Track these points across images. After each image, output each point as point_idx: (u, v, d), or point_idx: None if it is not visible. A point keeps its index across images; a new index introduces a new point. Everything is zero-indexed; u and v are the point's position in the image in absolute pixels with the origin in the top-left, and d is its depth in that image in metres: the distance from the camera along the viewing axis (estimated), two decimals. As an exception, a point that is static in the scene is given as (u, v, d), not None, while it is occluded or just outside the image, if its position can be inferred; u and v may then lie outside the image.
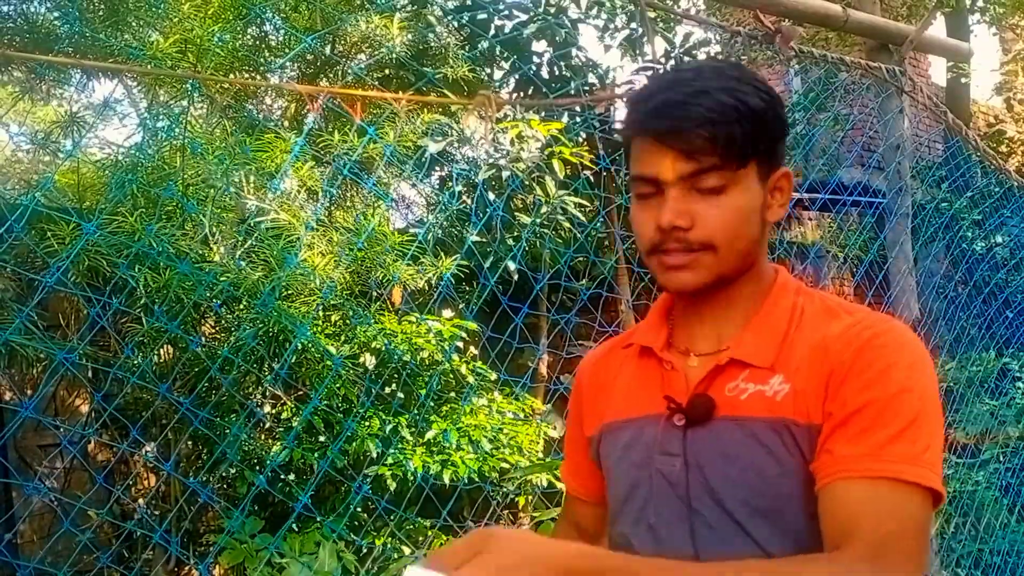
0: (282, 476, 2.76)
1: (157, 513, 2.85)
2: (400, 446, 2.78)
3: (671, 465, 0.94)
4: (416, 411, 2.88)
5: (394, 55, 3.18)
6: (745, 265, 0.95)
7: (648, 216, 0.92)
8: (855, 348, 0.89)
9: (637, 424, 1.00)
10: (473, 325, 2.90)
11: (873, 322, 0.92)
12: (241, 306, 2.68)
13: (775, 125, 0.92)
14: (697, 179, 0.89)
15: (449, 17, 4.05)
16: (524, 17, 4.44)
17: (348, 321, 2.90)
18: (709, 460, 0.92)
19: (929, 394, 0.88)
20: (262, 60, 3.18)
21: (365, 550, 2.61)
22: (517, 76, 4.40)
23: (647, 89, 0.94)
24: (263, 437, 2.97)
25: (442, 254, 2.99)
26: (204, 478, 2.72)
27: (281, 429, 2.92)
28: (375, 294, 2.99)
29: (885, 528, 0.82)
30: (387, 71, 3.69)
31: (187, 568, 2.99)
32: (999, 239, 4.50)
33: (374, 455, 2.70)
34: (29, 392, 2.90)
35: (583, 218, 3.48)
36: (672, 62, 4.92)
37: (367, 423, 2.77)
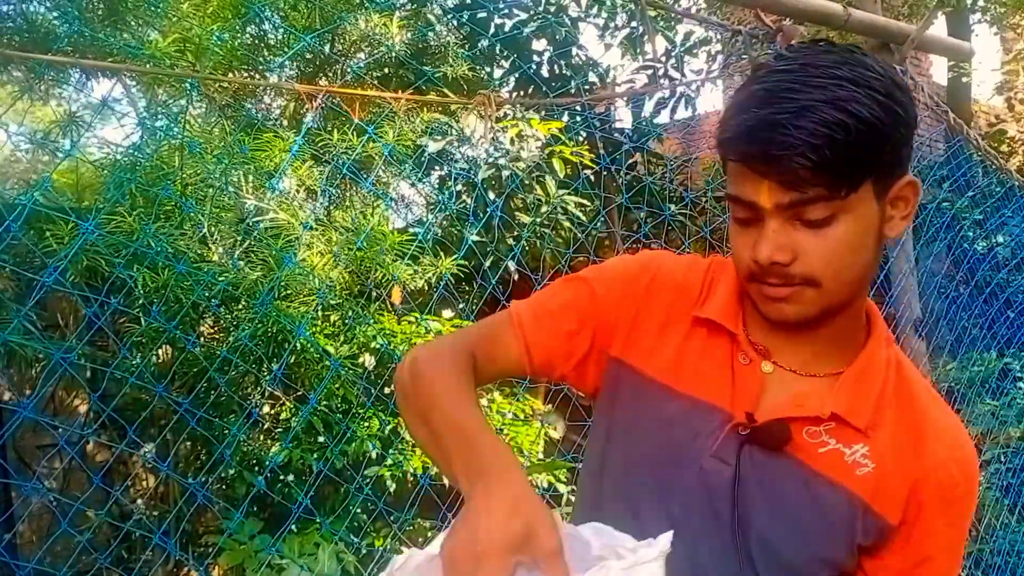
0: (281, 477, 2.75)
1: (156, 514, 2.84)
2: (400, 447, 2.77)
3: (719, 474, 0.86)
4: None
5: (393, 54, 3.17)
6: (855, 293, 0.86)
7: (745, 242, 0.83)
8: (954, 482, 0.88)
9: (691, 405, 0.89)
10: (474, 325, 2.89)
11: (962, 442, 0.90)
12: (240, 306, 2.67)
13: (897, 132, 0.78)
14: (800, 209, 0.78)
15: (449, 16, 4.04)
16: (524, 16, 4.43)
17: (347, 321, 2.89)
18: (761, 491, 0.86)
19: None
20: (261, 59, 3.17)
21: (365, 551, 2.60)
22: (517, 75, 4.39)
23: (741, 99, 0.80)
24: (262, 438, 2.96)
25: (442, 254, 2.98)
26: (203, 479, 2.71)
27: (280, 430, 2.91)
28: (374, 294, 2.98)
29: None
30: (386, 70, 3.68)
31: (186, 569, 2.98)
32: (1000, 239, 4.49)
33: (373, 456, 2.69)
34: (28, 392, 2.89)
35: (583, 218, 3.47)
36: (672, 60, 4.91)
37: (366, 424, 2.77)
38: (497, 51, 4.41)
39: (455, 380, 0.87)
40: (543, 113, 3.42)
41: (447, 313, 3.18)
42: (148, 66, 2.48)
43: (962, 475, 0.88)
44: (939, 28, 7.52)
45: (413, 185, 3.85)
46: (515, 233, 3.43)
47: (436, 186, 4.02)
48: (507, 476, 0.72)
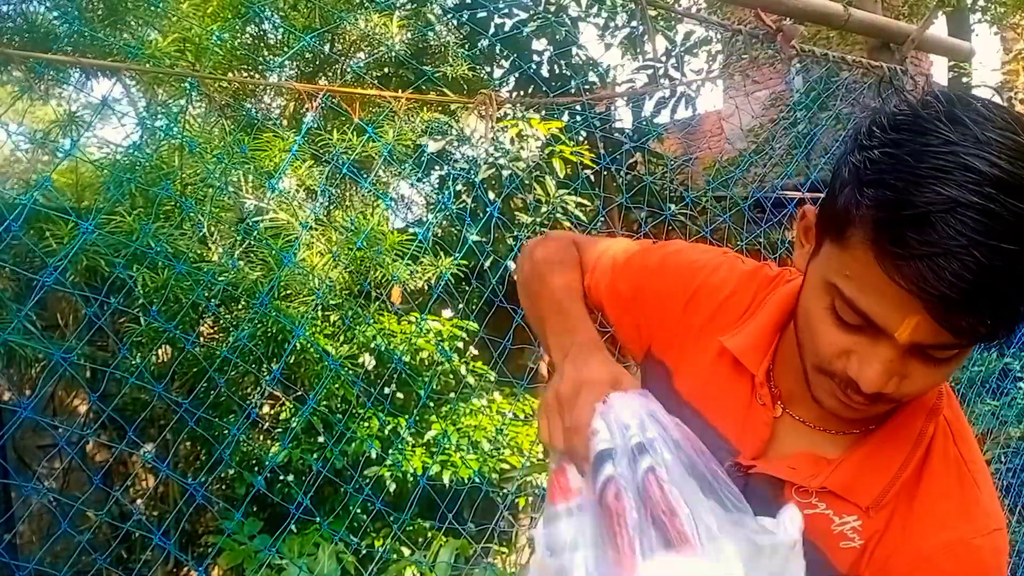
0: (281, 477, 2.75)
1: (156, 514, 2.84)
2: (400, 447, 2.77)
3: None
4: (415, 412, 2.87)
5: (393, 53, 3.17)
6: None
7: (838, 344, 0.70)
8: (938, 564, 0.75)
9: (702, 429, 0.83)
10: (474, 325, 2.89)
11: (978, 537, 0.75)
12: (239, 306, 2.67)
13: None
14: (934, 350, 0.67)
15: (449, 15, 4.04)
16: (524, 15, 4.43)
17: (347, 321, 2.89)
18: None
19: None
20: (261, 59, 3.17)
21: (364, 551, 2.60)
22: (517, 75, 4.39)
23: (951, 226, 0.59)
24: (261, 438, 2.96)
25: (442, 254, 2.98)
26: (203, 479, 2.71)
27: (280, 430, 2.91)
28: (374, 294, 2.98)
29: None
30: (386, 69, 3.68)
31: (186, 569, 2.98)
32: (1001, 238, 4.48)
33: (373, 456, 2.69)
34: (28, 392, 2.89)
35: (583, 218, 3.47)
36: (672, 60, 4.91)
37: (366, 424, 2.77)
38: (497, 51, 4.41)
39: (558, 261, 1.01)
40: (543, 113, 3.42)
41: (447, 313, 3.18)
42: (148, 65, 2.48)
43: (935, 560, 0.74)
44: (939, 28, 7.52)
45: (413, 185, 3.85)
46: (515, 233, 3.43)
47: (436, 186, 4.02)
48: (597, 344, 0.85)
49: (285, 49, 3.21)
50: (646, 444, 0.73)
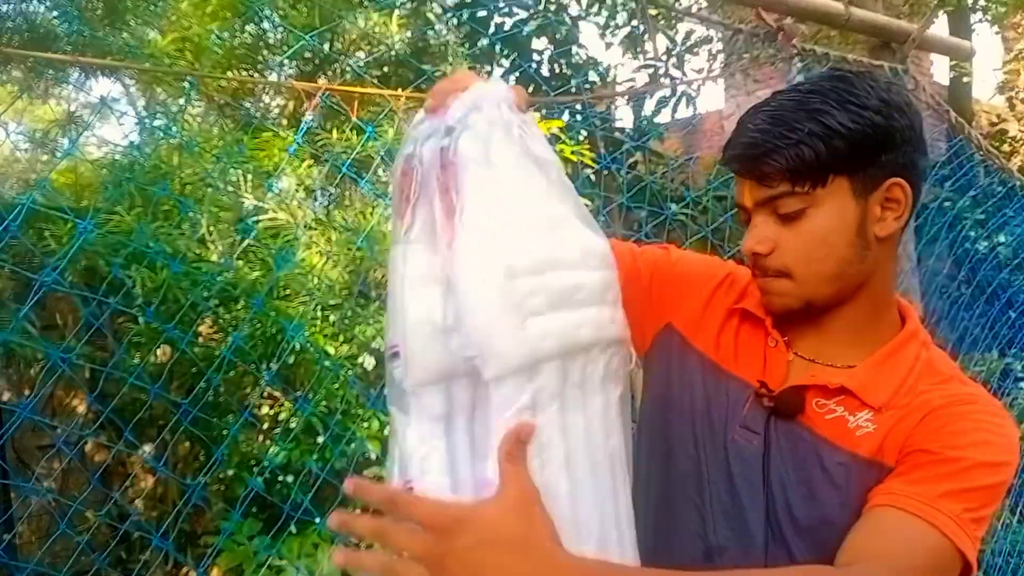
0: (280, 478, 2.74)
1: (155, 514, 2.83)
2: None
3: (748, 444, 0.94)
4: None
5: (393, 52, 3.16)
6: (845, 286, 0.92)
7: (744, 241, 0.94)
8: (947, 412, 0.87)
9: (727, 379, 0.98)
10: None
11: (979, 396, 0.91)
12: (239, 306, 2.66)
13: (870, 138, 0.87)
14: (775, 205, 0.89)
15: (448, 14, 4.03)
16: (524, 14, 4.43)
17: (347, 321, 2.88)
18: (781, 458, 0.92)
19: (1001, 478, 0.87)
20: (260, 58, 3.16)
21: (364, 552, 2.59)
22: (517, 74, 4.38)
23: (740, 120, 0.94)
24: (261, 438, 2.96)
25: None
26: (202, 479, 2.71)
27: (279, 430, 2.91)
28: (374, 294, 2.97)
29: (909, 564, 0.81)
30: (386, 69, 3.68)
31: (185, 569, 2.97)
32: (1002, 239, 4.48)
33: (373, 457, 2.68)
34: (27, 392, 2.89)
35: (584, 217, 3.45)
36: (673, 59, 4.91)
37: (366, 424, 2.76)
38: (497, 50, 4.40)
39: None
40: (543, 112, 3.41)
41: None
42: (147, 64, 2.48)
43: (955, 407, 0.88)
44: (940, 27, 7.51)
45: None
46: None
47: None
48: None
49: (285, 48, 3.20)
50: (457, 126, 0.76)
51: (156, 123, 2.68)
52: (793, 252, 0.89)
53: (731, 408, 0.96)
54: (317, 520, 2.39)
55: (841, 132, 0.86)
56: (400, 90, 2.52)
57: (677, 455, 1.00)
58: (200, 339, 2.77)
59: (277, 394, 2.85)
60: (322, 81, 3.20)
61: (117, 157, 2.66)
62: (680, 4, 6.81)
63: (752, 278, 0.95)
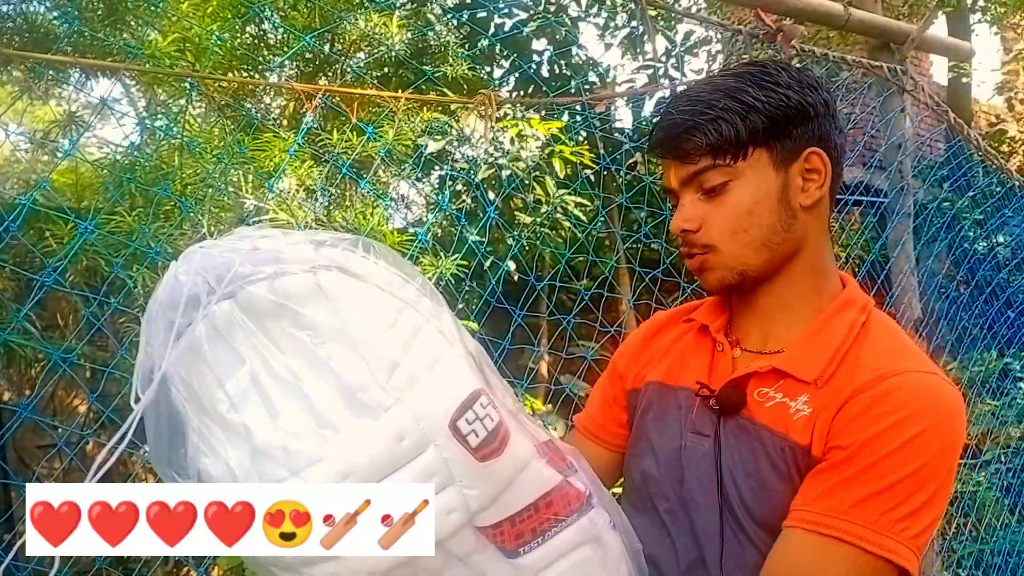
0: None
1: (155, 514, 2.83)
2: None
3: (700, 444, 0.95)
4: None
5: (393, 53, 3.17)
6: (774, 256, 0.93)
7: (673, 221, 0.97)
8: (875, 394, 0.83)
9: (676, 393, 1.01)
10: (475, 325, 2.89)
11: (906, 371, 0.85)
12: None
13: (784, 111, 0.91)
14: (699, 181, 0.93)
15: (449, 15, 4.04)
16: (524, 15, 4.43)
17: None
18: (730, 453, 0.93)
19: (936, 462, 0.80)
20: (260, 59, 3.17)
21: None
22: (517, 75, 4.39)
23: (660, 112, 0.99)
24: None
25: (442, 254, 2.98)
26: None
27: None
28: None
29: None
30: (386, 69, 3.68)
31: (186, 569, 2.98)
32: (1001, 239, 4.48)
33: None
34: (27, 392, 2.89)
35: (583, 218, 3.47)
36: (672, 60, 4.91)
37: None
38: (497, 51, 4.41)
39: None
40: (543, 113, 3.41)
41: (447, 313, 3.17)
42: (147, 65, 2.48)
43: (886, 389, 0.84)
44: (939, 28, 7.52)
45: (413, 185, 3.85)
46: (515, 233, 3.43)
47: (436, 186, 4.02)
48: None
49: (285, 49, 3.20)
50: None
51: (157, 123, 2.68)
52: (719, 225, 0.92)
53: (683, 417, 0.98)
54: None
55: (756, 107, 0.90)
56: (400, 91, 2.52)
57: (643, 483, 1.01)
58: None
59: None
60: (322, 82, 3.21)
61: (118, 157, 2.67)
62: (679, 5, 6.81)
63: (687, 263, 0.98)
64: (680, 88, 0.98)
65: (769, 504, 0.88)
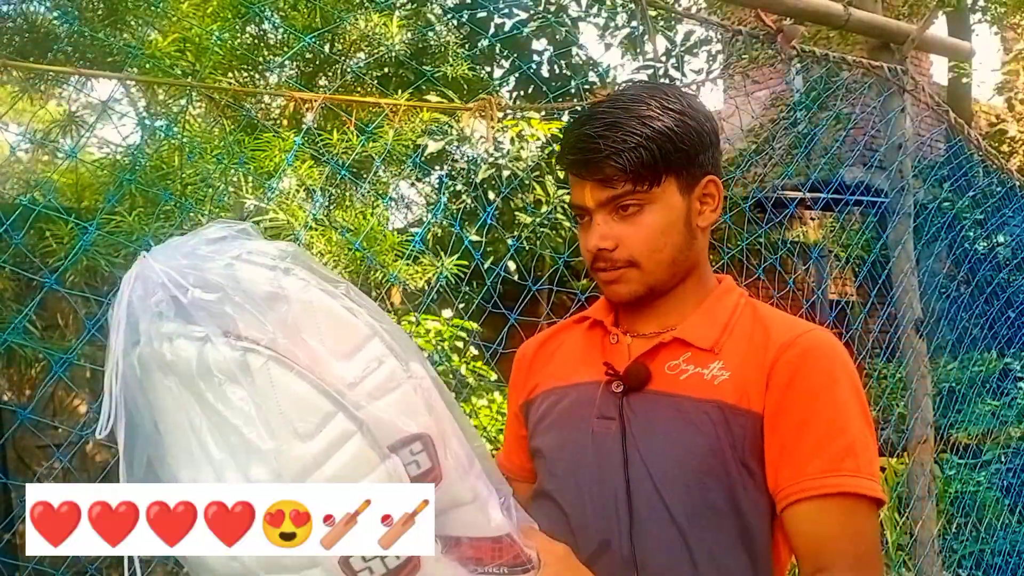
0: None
1: (156, 514, 2.83)
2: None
3: (606, 428, 1.00)
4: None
5: (393, 54, 3.17)
6: (679, 271, 1.03)
7: (584, 239, 1.03)
8: (799, 353, 0.96)
9: (577, 389, 1.06)
10: (475, 325, 2.89)
11: (810, 329, 1.00)
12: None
13: (689, 140, 0.99)
14: (616, 203, 0.99)
15: (449, 15, 4.04)
16: (524, 15, 4.43)
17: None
18: (641, 429, 0.98)
19: (864, 407, 0.96)
20: (261, 59, 3.17)
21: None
22: (517, 75, 4.39)
23: (570, 125, 1.03)
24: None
25: (442, 254, 2.98)
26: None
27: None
28: (374, 294, 2.97)
29: (861, 548, 0.91)
30: (386, 69, 3.68)
31: (185, 570, 2.98)
32: (1001, 239, 4.48)
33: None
34: (28, 392, 2.89)
35: (583, 218, 3.46)
36: (672, 60, 4.91)
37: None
38: (497, 51, 4.41)
39: None
40: (543, 113, 3.41)
41: (447, 313, 3.17)
42: (147, 66, 2.48)
43: (804, 347, 0.96)
44: (939, 28, 7.52)
45: (413, 185, 3.85)
46: (515, 232, 3.43)
47: (436, 186, 4.02)
48: None
49: (285, 49, 3.20)
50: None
51: (157, 124, 2.68)
52: (638, 244, 0.99)
53: (584, 409, 1.04)
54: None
55: (669, 135, 0.97)
56: (400, 91, 2.52)
57: (548, 480, 1.06)
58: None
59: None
60: (322, 82, 3.21)
61: (118, 158, 2.67)
62: (679, 5, 6.82)
63: (593, 272, 1.03)
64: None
65: (688, 469, 0.95)
